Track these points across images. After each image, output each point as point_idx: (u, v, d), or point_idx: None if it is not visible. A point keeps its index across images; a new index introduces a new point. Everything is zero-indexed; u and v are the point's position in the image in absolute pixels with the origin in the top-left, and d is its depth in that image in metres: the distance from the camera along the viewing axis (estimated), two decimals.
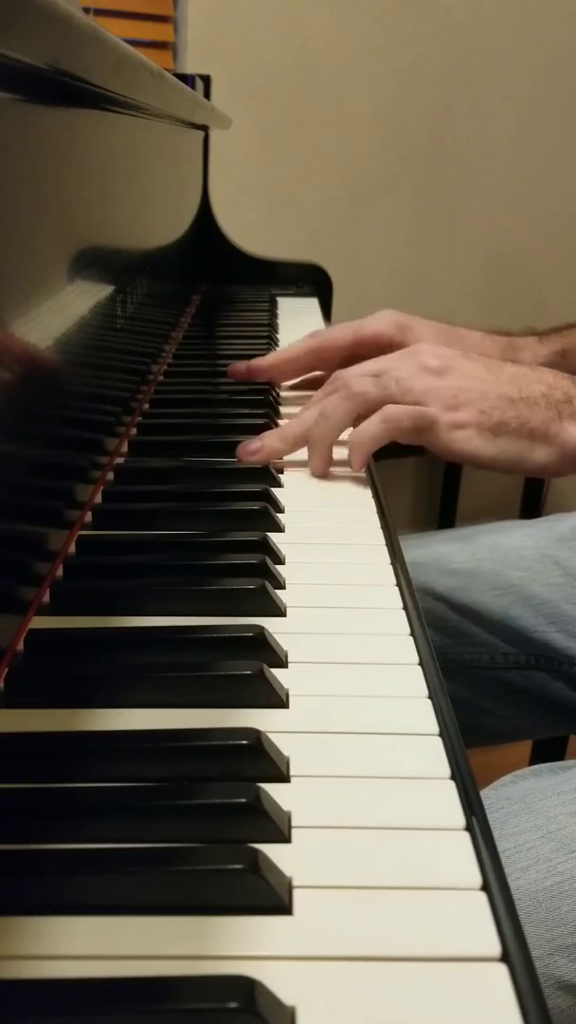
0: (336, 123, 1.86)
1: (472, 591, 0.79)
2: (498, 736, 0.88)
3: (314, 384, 0.79)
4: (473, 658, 0.80)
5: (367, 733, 0.37)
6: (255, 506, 0.56)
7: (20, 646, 0.41)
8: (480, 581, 0.79)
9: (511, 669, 0.80)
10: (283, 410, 0.76)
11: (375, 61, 1.84)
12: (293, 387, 0.83)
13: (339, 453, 0.64)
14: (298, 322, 1.10)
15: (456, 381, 0.61)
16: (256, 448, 0.63)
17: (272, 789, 0.32)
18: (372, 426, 0.60)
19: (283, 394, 0.81)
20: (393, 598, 0.48)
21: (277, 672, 0.40)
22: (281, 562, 0.51)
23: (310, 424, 0.63)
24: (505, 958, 0.27)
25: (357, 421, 0.62)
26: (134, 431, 0.70)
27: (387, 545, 0.54)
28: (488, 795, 0.57)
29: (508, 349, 0.81)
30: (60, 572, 0.48)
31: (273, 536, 0.53)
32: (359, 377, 0.63)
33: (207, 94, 1.28)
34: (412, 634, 0.44)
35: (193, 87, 1.18)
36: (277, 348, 0.86)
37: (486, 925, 0.28)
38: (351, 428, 0.63)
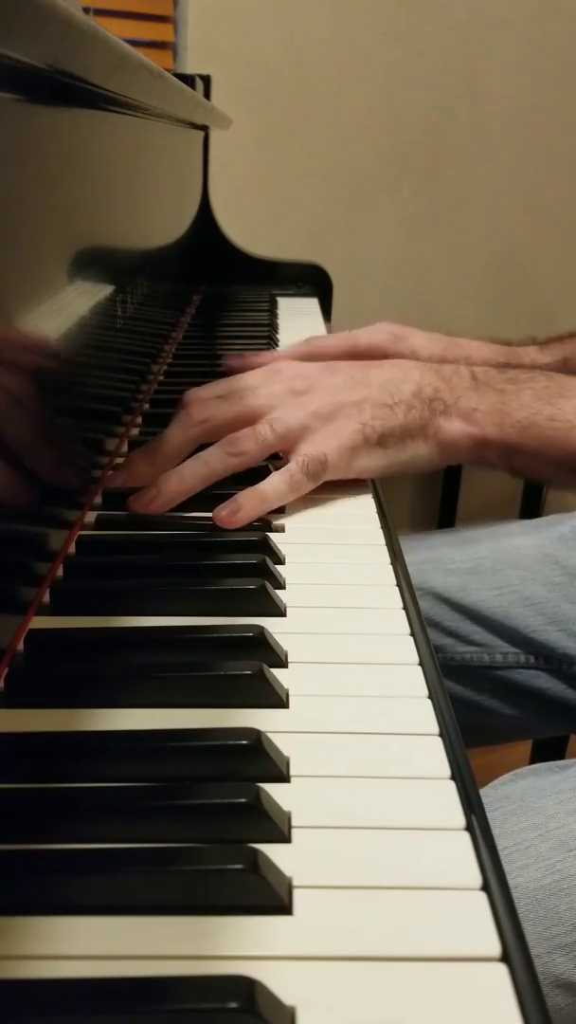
0: (336, 123, 1.86)
1: (472, 591, 0.79)
2: (498, 736, 0.88)
3: None
4: (473, 658, 0.80)
5: (367, 733, 0.37)
6: None
7: (20, 646, 0.41)
8: (480, 581, 0.79)
9: (511, 669, 0.80)
10: None
11: (375, 61, 1.84)
12: None
13: None
14: (298, 322, 1.10)
15: (326, 398, 0.59)
16: (149, 499, 0.55)
17: (272, 789, 0.32)
18: (277, 488, 0.56)
19: None
20: (393, 598, 0.48)
21: (277, 672, 0.40)
22: (281, 562, 0.51)
23: (187, 465, 0.56)
24: (505, 958, 0.27)
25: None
26: (134, 431, 0.70)
27: (387, 545, 0.54)
28: (487, 794, 0.57)
29: (509, 356, 0.82)
30: (60, 572, 0.48)
31: (273, 536, 0.53)
32: (236, 435, 0.57)
33: (207, 94, 1.28)
34: (412, 634, 0.44)
35: (193, 87, 1.18)
36: (276, 349, 0.86)
37: (486, 925, 0.28)
38: None
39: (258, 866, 0.28)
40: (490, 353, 0.82)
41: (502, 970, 0.27)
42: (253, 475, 0.57)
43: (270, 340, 1.00)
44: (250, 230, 1.37)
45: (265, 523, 0.55)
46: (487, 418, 0.60)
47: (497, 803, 0.55)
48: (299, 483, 0.57)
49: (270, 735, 0.35)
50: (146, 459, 0.57)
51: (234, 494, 0.54)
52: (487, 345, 0.83)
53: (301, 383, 0.61)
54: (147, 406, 0.76)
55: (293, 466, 0.57)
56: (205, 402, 0.60)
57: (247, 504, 0.54)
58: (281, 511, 0.57)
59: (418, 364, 0.64)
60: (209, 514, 0.54)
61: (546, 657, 0.79)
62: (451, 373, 0.62)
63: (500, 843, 0.51)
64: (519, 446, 0.61)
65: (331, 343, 0.80)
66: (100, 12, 1.61)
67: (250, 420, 0.58)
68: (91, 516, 0.55)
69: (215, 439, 0.57)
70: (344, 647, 0.43)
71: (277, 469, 0.58)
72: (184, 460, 0.57)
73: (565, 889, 0.49)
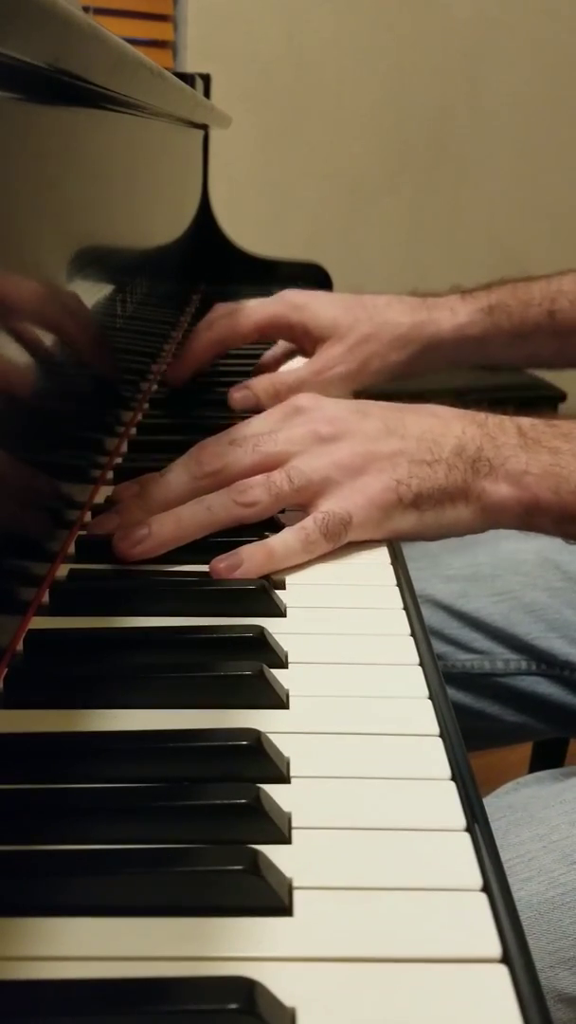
0: (336, 123, 1.86)
1: (472, 597, 0.78)
2: (499, 740, 0.88)
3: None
4: (474, 665, 0.79)
5: (367, 734, 0.37)
6: None
7: (20, 646, 0.41)
8: (480, 587, 0.79)
9: (512, 676, 0.79)
10: None
11: (375, 61, 1.84)
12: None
13: None
14: None
15: (356, 448, 0.53)
16: (137, 540, 0.49)
17: (272, 790, 0.32)
18: (288, 546, 0.50)
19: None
20: (393, 598, 0.48)
21: (277, 672, 0.40)
22: None
23: (187, 508, 0.51)
24: (505, 959, 0.27)
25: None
26: (134, 431, 0.70)
27: (387, 545, 0.54)
28: (490, 803, 0.56)
29: (420, 308, 0.77)
30: (60, 572, 0.48)
31: None
32: (247, 481, 0.51)
33: (207, 93, 1.28)
34: (412, 634, 0.44)
35: (193, 86, 1.18)
36: (267, 352, 0.86)
37: (487, 926, 0.28)
38: None
39: (258, 867, 0.28)
40: (399, 307, 0.76)
41: (502, 971, 0.26)
42: (262, 524, 0.52)
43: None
44: (250, 229, 1.37)
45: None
46: (540, 483, 0.53)
47: (500, 812, 0.54)
48: (314, 543, 0.51)
49: (270, 735, 0.35)
50: (142, 507, 0.51)
51: (235, 543, 0.49)
52: (396, 298, 0.78)
53: (327, 427, 0.54)
54: (147, 406, 0.76)
55: (310, 522, 0.51)
56: (216, 448, 0.53)
57: (250, 560, 0.48)
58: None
59: (457, 413, 0.56)
60: (203, 567, 0.48)
61: (548, 663, 0.78)
62: (495, 427, 0.54)
63: (503, 855, 0.50)
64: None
65: (238, 325, 0.76)
66: (100, 11, 1.61)
67: (268, 470, 0.52)
68: (90, 517, 0.55)
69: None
70: (344, 647, 0.43)
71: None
72: None
73: (569, 903, 0.49)
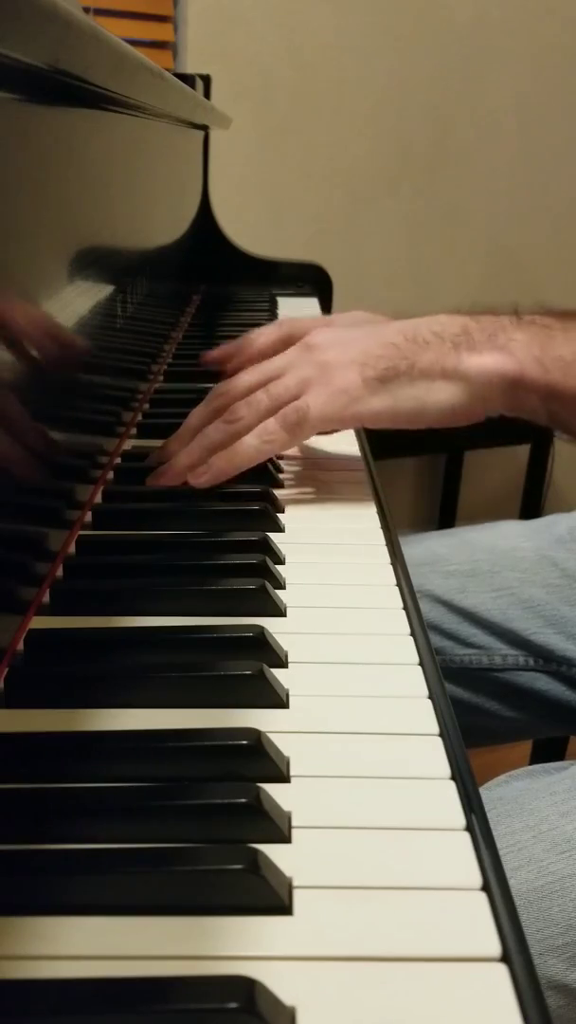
0: (336, 123, 1.86)
1: (470, 593, 0.79)
2: (497, 737, 0.88)
3: None
4: (472, 660, 0.79)
5: (367, 733, 0.37)
6: (255, 506, 0.56)
7: (20, 646, 0.41)
8: (478, 583, 0.79)
9: (510, 671, 0.79)
10: None
11: (375, 61, 1.84)
12: None
13: (336, 447, 0.64)
14: None
15: (335, 350, 0.55)
16: (160, 474, 0.58)
17: (272, 789, 0.32)
18: (247, 444, 0.55)
19: None
20: (393, 598, 0.48)
21: (277, 672, 0.40)
22: (281, 562, 0.51)
23: (196, 439, 0.58)
24: (505, 958, 0.27)
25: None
26: (134, 431, 0.70)
27: (387, 545, 0.54)
28: (482, 795, 0.57)
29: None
30: (60, 572, 0.48)
31: (273, 536, 0.53)
32: (237, 402, 0.57)
33: (207, 94, 1.28)
34: (412, 634, 0.44)
35: (193, 87, 1.18)
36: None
37: (486, 925, 0.28)
38: None
39: (258, 866, 0.28)
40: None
41: (502, 970, 0.26)
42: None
43: None
44: (250, 230, 1.37)
45: (270, 520, 0.55)
46: (526, 350, 0.51)
47: (491, 804, 0.55)
48: (273, 437, 0.53)
49: (270, 735, 0.35)
50: (175, 440, 0.58)
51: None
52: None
53: (316, 341, 0.56)
54: (147, 406, 0.76)
55: (270, 421, 0.54)
56: (227, 382, 0.59)
57: (216, 462, 0.53)
58: (281, 511, 0.57)
59: (452, 315, 0.56)
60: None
61: (545, 659, 0.79)
62: (488, 315, 0.55)
63: None
64: (563, 388, 0.51)
65: (307, 324, 0.80)
66: (100, 12, 1.61)
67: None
68: (90, 516, 0.55)
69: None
70: (344, 647, 0.43)
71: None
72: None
73: (558, 891, 0.49)
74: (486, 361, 0.51)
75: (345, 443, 0.70)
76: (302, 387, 0.55)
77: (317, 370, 0.55)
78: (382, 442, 0.70)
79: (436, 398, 0.52)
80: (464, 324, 0.53)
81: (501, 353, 0.51)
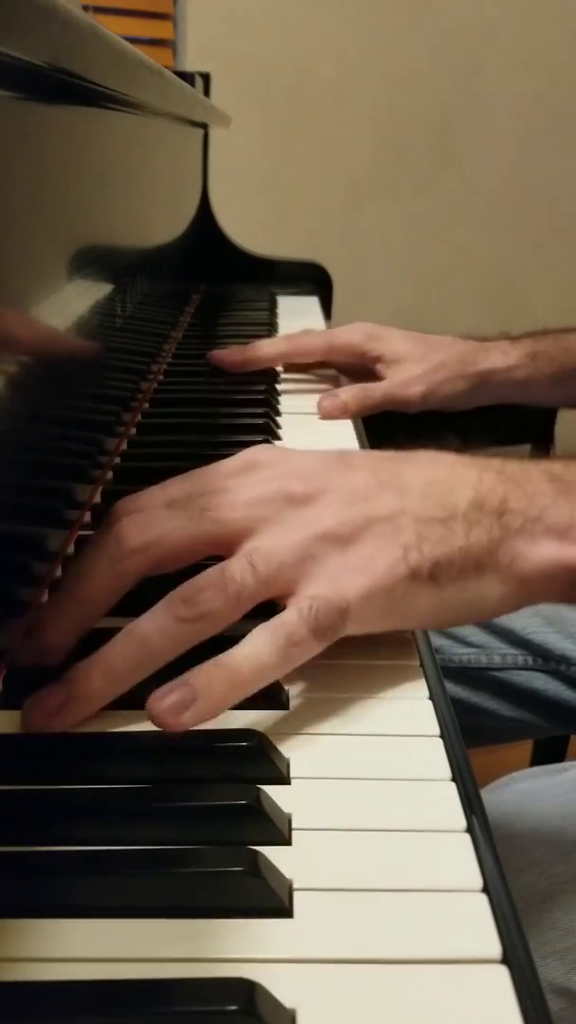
0: (336, 123, 1.86)
1: None
2: (497, 737, 0.88)
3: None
4: (471, 659, 0.80)
5: (367, 735, 0.37)
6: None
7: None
8: None
9: (509, 670, 0.80)
10: (283, 410, 0.76)
11: (375, 61, 1.84)
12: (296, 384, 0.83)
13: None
14: (298, 321, 1.09)
15: (342, 511, 0.39)
16: (53, 708, 0.36)
17: (272, 791, 0.32)
18: (257, 658, 0.36)
19: (283, 395, 0.81)
20: None
21: None
22: None
23: (114, 645, 0.36)
24: (506, 960, 0.27)
25: None
26: (134, 431, 0.70)
27: None
28: (483, 797, 0.57)
29: (479, 349, 0.82)
30: (60, 572, 0.48)
31: None
32: (194, 582, 0.37)
33: (207, 92, 1.28)
34: (412, 634, 0.44)
35: (193, 85, 1.18)
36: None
37: (487, 927, 0.28)
38: None
39: (258, 868, 0.28)
40: (463, 347, 0.82)
41: (503, 972, 0.26)
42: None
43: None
44: (250, 229, 1.37)
45: None
46: None
47: (492, 806, 0.55)
48: (300, 645, 0.36)
49: (270, 736, 0.35)
50: (55, 617, 0.38)
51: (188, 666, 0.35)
52: (459, 340, 0.83)
53: (299, 484, 0.40)
54: (147, 406, 0.76)
55: (292, 615, 0.36)
56: (146, 514, 0.39)
57: (206, 691, 0.34)
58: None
59: (465, 459, 0.43)
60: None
61: (544, 658, 0.79)
62: (519, 473, 0.42)
63: None
64: None
65: (312, 343, 0.82)
66: (99, 10, 1.60)
67: (221, 546, 0.39)
68: (90, 517, 0.55)
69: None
70: (344, 647, 0.43)
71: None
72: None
73: (559, 894, 0.49)
74: (544, 553, 0.39)
75: (344, 442, 0.70)
76: (304, 566, 0.38)
77: (323, 544, 0.39)
78: (382, 442, 0.70)
79: (479, 595, 0.40)
80: (500, 493, 0.41)
81: (562, 541, 0.39)
